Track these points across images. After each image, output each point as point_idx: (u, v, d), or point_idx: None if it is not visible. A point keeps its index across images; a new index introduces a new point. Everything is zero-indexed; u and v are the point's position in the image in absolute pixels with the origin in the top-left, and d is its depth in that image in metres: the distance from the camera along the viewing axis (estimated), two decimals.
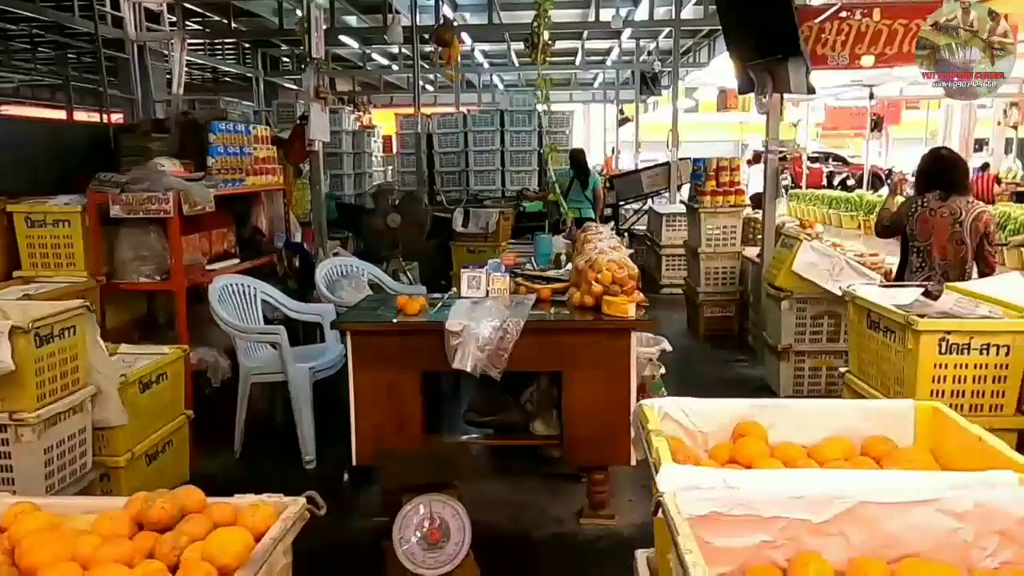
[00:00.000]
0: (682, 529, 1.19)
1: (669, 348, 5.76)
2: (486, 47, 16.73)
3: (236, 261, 4.91)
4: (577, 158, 9.57)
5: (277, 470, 4.37)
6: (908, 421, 1.77)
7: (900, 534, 1.30)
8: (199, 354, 4.38)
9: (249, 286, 4.75)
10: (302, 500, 1.39)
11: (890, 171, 26.39)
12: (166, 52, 10.97)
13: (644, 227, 11.20)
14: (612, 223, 8.16)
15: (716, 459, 1.73)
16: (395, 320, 3.60)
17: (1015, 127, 16.88)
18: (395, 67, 17.67)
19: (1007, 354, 2.81)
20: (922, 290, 2.93)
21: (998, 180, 15.73)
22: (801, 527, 1.30)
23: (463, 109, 15.14)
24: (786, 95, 5.73)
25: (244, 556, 1.24)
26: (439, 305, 3.80)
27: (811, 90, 5.19)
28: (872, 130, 18.31)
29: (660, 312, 8.73)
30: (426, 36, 10.58)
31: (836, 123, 30.48)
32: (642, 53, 15.69)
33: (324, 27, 6.09)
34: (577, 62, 17.11)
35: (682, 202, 9.23)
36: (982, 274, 4.17)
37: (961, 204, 4.35)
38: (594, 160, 24.46)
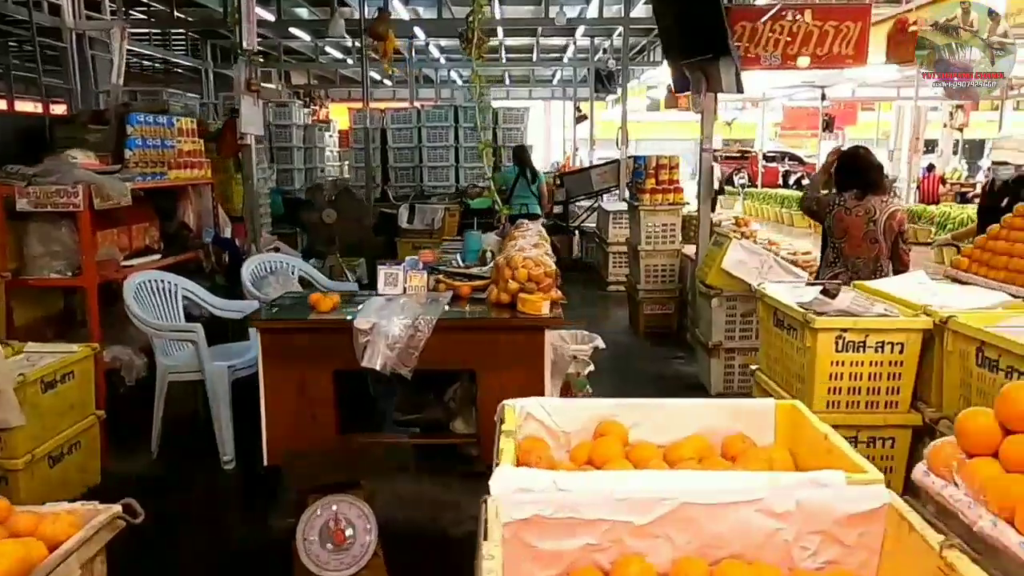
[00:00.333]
0: (492, 534, 1.17)
1: (602, 345, 5.75)
2: (443, 42, 16.63)
3: (157, 257, 4.80)
4: (520, 155, 9.55)
5: (195, 471, 4.29)
6: (769, 420, 1.77)
7: (723, 534, 1.29)
8: (113, 352, 4.27)
9: (169, 282, 4.64)
10: (116, 508, 1.33)
11: None
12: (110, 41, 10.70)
13: (594, 224, 11.23)
14: (540, 220, 8.14)
15: (575, 460, 1.72)
16: (308, 318, 3.54)
17: (961, 129, 17.26)
18: (349, 61, 17.49)
19: (901, 351, 2.85)
20: (820, 288, 2.96)
21: (943, 181, 16.09)
22: (624, 529, 1.28)
23: (417, 104, 15.03)
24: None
25: (19, 570, 1.18)
26: (354, 303, 3.75)
27: (740, 89, 5.23)
28: (824, 130, 18.59)
29: (605, 309, 8.78)
30: None
31: (794, 123, 30.96)
32: (597, 51, 15.73)
33: (256, 18, 5.97)
34: (534, 59, 17.09)
35: (624, 200, 9.28)
36: (896, 272, 4.24)
37: (876, 203, 4.41)
38: (554, 157, 24.51)
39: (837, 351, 2.84)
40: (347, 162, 16.76)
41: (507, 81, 22.74)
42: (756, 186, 20.83)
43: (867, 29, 5.81)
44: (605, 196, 12.18)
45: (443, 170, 13.80)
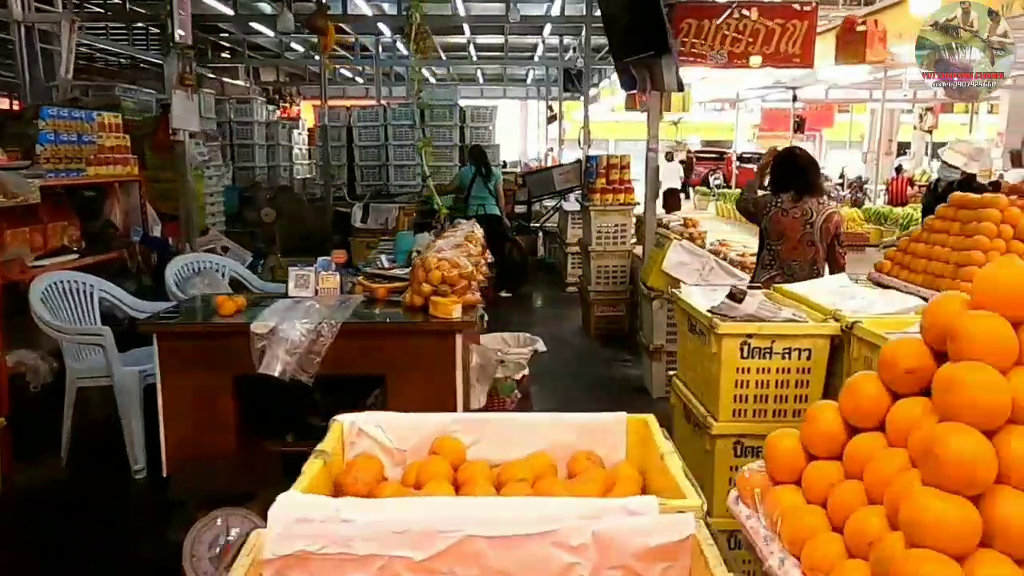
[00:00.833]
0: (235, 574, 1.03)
1: (543, 348, 5.63)
2: None
3: (74, 256, 4.61)
4: (476, 154, 9.40)
5: (104, 480, 4.12)
6: (620, 435, 1.65)
7: (513, 571, 1.16)
8: (17, 356, 4.09)
9: (84, 283, 4.46)
10: None
11: None
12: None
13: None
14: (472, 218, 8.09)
15: (406, 482, 1.59)
16: (206, 321, 3.39)
17: (930, 131, 17.32)
18: (317, 57, 17.23)
19: (808, 358, 2.75)
20: (727, 292, 2.85)
21: (911, 183, 16.10)
22: (402, 565, 1.15)
23: (384, 102, 14.84)
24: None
25: None
26: (263, 306, 3.60)
27: (680, 88, 5.12)
28: (795, 131, 18.58)
29: (561, 309, 8.66)
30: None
31: (772, 125, 31.03)
32: (567, 50, 15.63)
33: (190, 9, 5.78)
34: (505, 57, 16.94)
35: (576, 200, 9.18)
36: (832, 275, 4.15)
37: (813, 205, 4.32)
38: (531, 157, 24.33)
39: (743, 357, 2.73)
40: (316, 160, 16.54)
41: (481, 80, 22.57)
42: (730, 187, 20.81)
43: (813, 28, 5.73)
44: (571, 196, 12.08)
45: (409, 169, 13.62)
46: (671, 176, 18.04)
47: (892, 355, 1.38)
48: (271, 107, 16.52)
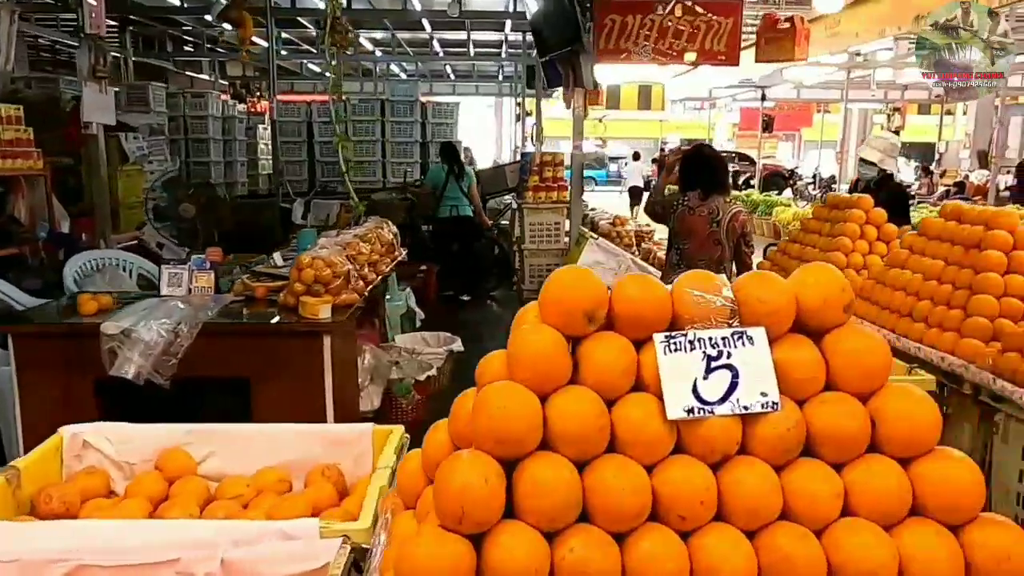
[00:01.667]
0: None
1: (460, 348, 5.53)
2: (377, 35, 16.26)
3: None
4: (448, 152, 8.94)
5: None
6: (367, 448, 1.56)
7: None
8: None
9: None
10: None
11: (792, 171, 26.89)
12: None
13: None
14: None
15: (132, 495, 1.49)
16: (63, 321, 3.28)
17: (897, 132, 17.34)
18: (284, 52, 17.02)
19: None
20: None
21: None
22: None
23: (344, 97, 14.62)
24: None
25: None
26: (128, 305, 3.48)
27: (593, 84, 5.03)
28: (764, 130, 18.60)
29: (505, 309, 8.56)
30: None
31: (751, 124, 31.04)
32: (531, 47, 15.48)
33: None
34: (471, 53, 16.78)
35: (512, 198, 9.07)
36: (739, 275, 4.07)
37: (719, 204, 4.24)
38: (505, 155, 24.18)
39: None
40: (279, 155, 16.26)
41: (452, 76, 22.39)
42: None
43: (739, 26, 5.65)
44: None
45: (370, 165, 13.49)
46: (635, 175, 18.17)
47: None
48: (236, 102, 16.30)
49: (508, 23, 13.55)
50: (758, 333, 1.27)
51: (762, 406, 1.24)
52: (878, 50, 14.71)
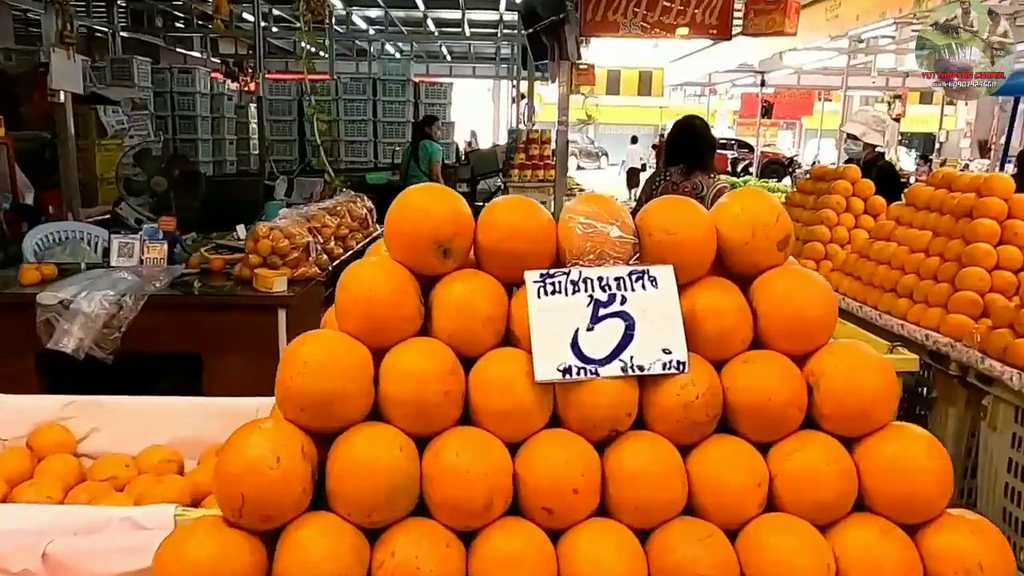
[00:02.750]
0: None
1: None
2: (371, 12, 15.91)
3: None
4: (415, 127, 8.75)
5: None
6: None
7: None
8: None
9: None
10: None
11: (791, 159, 26.60)
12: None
13: None
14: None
15: (8, 481, 1.22)
16: (7, 292, 3.01)
17: (897, 119, 17.00)
18: (275, 29, 16.68)
19: None
20: None
21: None
22: None
23: (335, 76, 14.32)
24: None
25: None
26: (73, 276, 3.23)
27: (578, 56, 4.74)
28: (763, 116, 18.29)
29: None
30: None
31: (751, 112, 30.70)
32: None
33: None
34: (467, 33, 16.43)
35: (497, 178, 8.77)
36: None
37: (703, 180, 3.94)
38: (502, 138, 23.83)
39: None
40: (268, 134, 16.00)
41: (448, 57, 22.03)
42: None
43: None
44: None
45: (361, 145, 13.19)
46: (633, 157, 18.25)
47: None
48: (228, 81, 15.99)
49: (503, 2, 13.21)
50: (663, 273, 0.98)
51: (664, 366, 0.94)
52: (879, 35, 14.43)
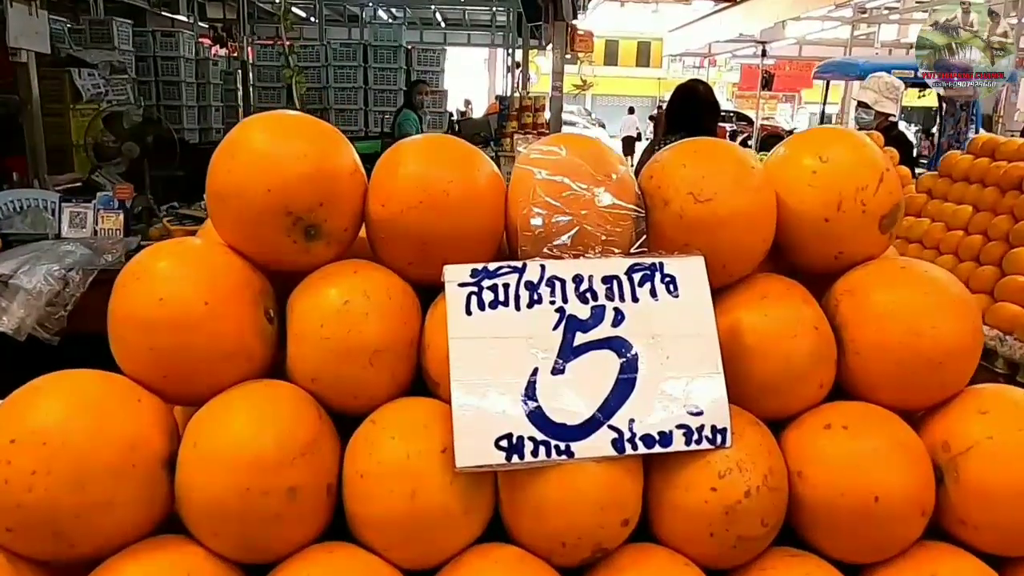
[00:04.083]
0: None
1: None
2: None
3: None
4: (405, 93, 8.01)
5: None
6: None
7: None
8: None
9: None
10: None
11: (790, 132, 26.39)
12: None
13: None
14: None
15: None
16: None
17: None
18: None
19: None
20: None
21: None
22: None
23: (327, 42, 13.84)
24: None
25: None
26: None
27: (574, 17, 4.33)
28: (763, 88, 17.93)
29: None
30: None
31: (751, 84, 30.40)
32: None
33: None
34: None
35: (489, 146, 8.34)
36: None
37: None
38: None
39: None
40: (253, 102, 15.60)
41: (443, 24, 21.46)
42: None
43: None
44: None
45: (352, 113, 12.76)
46: (629, 126, 18.43)
47: None
48: (217, 46, 15.50)
49: None
50: (689, 269, 0.56)
51: (689, 437, 0.53)
52: (882, 5, 14.07)
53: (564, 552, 0.53)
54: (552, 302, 0.54)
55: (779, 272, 0.62)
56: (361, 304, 0.54)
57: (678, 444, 0.53)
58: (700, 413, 0.53)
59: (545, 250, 0.56)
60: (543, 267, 0.55)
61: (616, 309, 0.55)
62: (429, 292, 0.59)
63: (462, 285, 0.54)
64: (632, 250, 0.57)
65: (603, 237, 0.56)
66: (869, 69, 8.18)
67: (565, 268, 0.55)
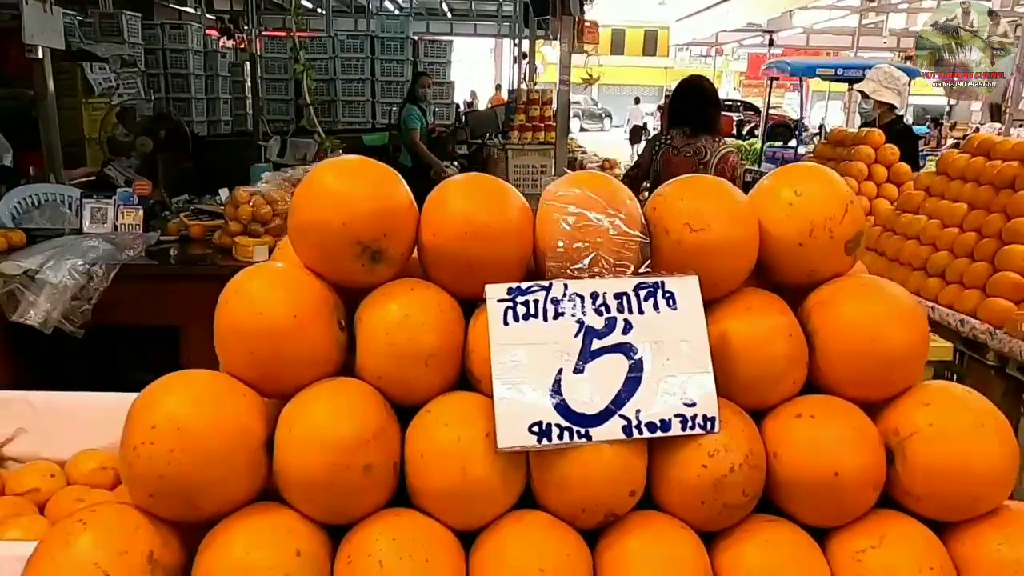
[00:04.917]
0: None
1: None
2: None
3: None
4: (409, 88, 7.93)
5: None
6: None
7: None
8: None
9: None
10: None
11: (797, 121, 26.14)
12: None
13: None
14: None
15: None
16: None
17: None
18: None
19: None
20: None
21: None
22: None
23: (334, 33, 13.86)
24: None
25: None
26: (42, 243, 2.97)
27: (581, 8, 4.38)
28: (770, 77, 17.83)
29: None
30: None
31: (758, 73, 30.21)
32: None
33: None
34: None
35: (497, 139, 8.40)
36: None
37: (707, 144, 3.61)
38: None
39: None
40: (261, 94, 15.63)
41: (449, 15, 21.42)
42: None
43: None
44: None
45: (359, 105, 12.80)
46: (637, 115, 18.93)
47: None
48: (224, 38, 15.54)
49: None
50: (685, 287, 0.68)
51: (685, 424, 0.66)
52: None
53: (583, 517, 0.66)
54: (573, 315, 0.67)
55: (761, 287, 0.74)
56: (418, 316, 0.67)
57: (676, 430, 0.66)
58: (694, 404, 0.66)
59: (567, 271, 0.69)
60: (566, 286, 0.68)
61: (626, 320, 0.67)
62: (470, 305, 0.72)
63: (500, 301, 0.67)
64: (639, 271, 0.70)
65: (615, 261, 0.68)
66: (800, 69, 8.21)
67: (584, 286, 0.68)
